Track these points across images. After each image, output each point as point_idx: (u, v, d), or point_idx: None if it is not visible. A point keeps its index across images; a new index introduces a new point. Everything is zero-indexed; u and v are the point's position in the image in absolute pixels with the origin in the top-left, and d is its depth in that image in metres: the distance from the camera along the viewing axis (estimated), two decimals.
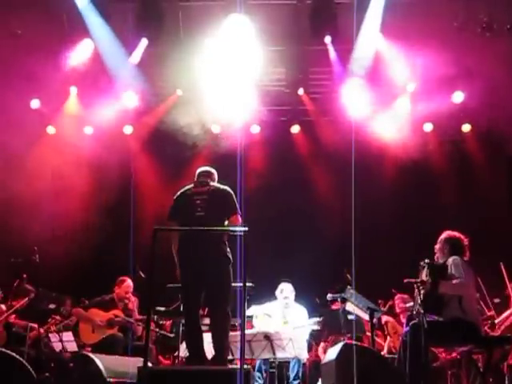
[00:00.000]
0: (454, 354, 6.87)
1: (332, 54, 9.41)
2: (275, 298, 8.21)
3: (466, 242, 6.14)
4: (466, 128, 10.03)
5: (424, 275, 5.87)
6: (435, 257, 6.19)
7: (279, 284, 8.20)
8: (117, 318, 7.66)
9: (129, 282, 7.94)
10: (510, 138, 9.10)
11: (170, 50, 9.21)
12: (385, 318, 8.21)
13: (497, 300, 7.84)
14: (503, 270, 7.51)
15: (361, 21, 9.03)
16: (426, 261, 5.92)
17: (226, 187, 6.01)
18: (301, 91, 10.01)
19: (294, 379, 7.43)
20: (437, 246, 6.22)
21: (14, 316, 7.53)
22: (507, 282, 7.50)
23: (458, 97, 9.65)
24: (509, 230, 9.55)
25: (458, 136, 10.13)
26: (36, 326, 7.30)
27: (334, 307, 8.09)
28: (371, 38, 9.18)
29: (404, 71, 9.30)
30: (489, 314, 7.51)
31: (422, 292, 5.75)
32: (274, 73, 9.79)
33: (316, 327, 7.84)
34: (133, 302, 8.18)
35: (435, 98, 9.60)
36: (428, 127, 10.01)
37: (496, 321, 7.28)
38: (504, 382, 6.70)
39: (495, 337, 6.64)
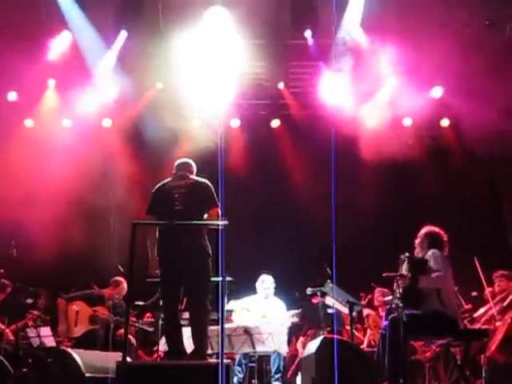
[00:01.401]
0: (432, 348, 6.94)
1: (312, 47, 9.41)
2: (254, 293, 8.20)
3: (445, 237, 6.19)
4: (445, 123, 10.10)
5: (404, 269, 5.90)
6: (415, 252, 6.22)
7: (260, 276, 8.19)
8: (97, 314, 7.59)
9: (124, 285, 7.78)
10: (488, 133, 9.16)
11: (149, 43, 9.14)
12: (366, 311, 8.25)
13: (474, 293, 7.93)
14: (477, 265, 7.60)
15: (341, 15, 9.05)
16: (407, 254, 5.96)
17: (205, 180, 5.96)
18: (281, 85, 10.00)
19: (276, 373, 7.44)
20: (416, 241, 6.25)
21: None
22: (482, 277, 7.59)
23: (437, 92, 9.71)
24: (487, 224, 9.66)
25: (436, 131, 10.19)
26: (6, 329, 7.20)
27: (313, 301, 8.10)
28: (351, 32, 9.20)
29: (383, 66, 9.33)
30: (467, 307, 7.60)
31: (401, 286, 5.78)
32: (255, 66, 9.75)
33: (295, 319, 7.85)
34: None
35: (414, 92, 9.64)
36: (407, 122, 10.06)
37: (475, 315, 7.37)
38: (481, 374, 6.77)
39: (473, 330, 6.72)
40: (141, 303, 7.52)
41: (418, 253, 6.22)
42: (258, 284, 8.15)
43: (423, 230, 6.25)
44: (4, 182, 8.90)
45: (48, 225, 8.78)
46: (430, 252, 5.99)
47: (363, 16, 9.10)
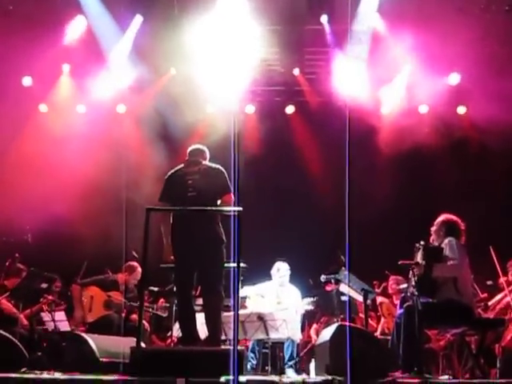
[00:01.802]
0: (446, 337, 6.90)
1: (328, 33, 9.32)
2: (268, 279, 8.18)
3: (462, 226, 6.11)
4: (462, 110, 10.00)
5: (419, 257, 5.85)
6: (430, 239, 6.17)
7: (275, 263, 8.16)
8: (112, 299, 7.63)
9: (139, 270, 7.78)
10: (505, 120, 9.05)
11: (164, 28, 9.10)
12: (380, 299, 8.22)
13: (489, 282, 7.87)
14: (493, 254, 7.54)
15: (358, 0, 8.95)
16: (422, 243, 5.90)
17: (218, 166, 5.93)
18: (296, 71, 9.93)
19: (289, 360, 7.44)
20: (433, 228, 6.19)
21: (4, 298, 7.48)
22: (497, 266, 7.53)
23: (454, 78, 9.61)
24: (502, 213, 9.56)
25: (453, 118, 10.07)
26: (21, 315, 7.25)
27: (327, 288, 8.08)
28: (368, 17, 9.10)
29: (400, 52, 9.22)
30: (482, 296, 7.55)
31: (416, 274, 5.74)
32: (270, 52, 9.69)
33: (310, 307, 7.83)
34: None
35: (431, 79, 9.56)
36: (423, 109, 9.97)
37: (489, 303, 7.32)
38: (496, 363, 6.73)
39: (489, 319, 6.67)
40: (155, 289, 7.53)
41: (434, 240, 6.16)
42: (273, 271, 8.11)
43: (440, 218, 6.17)
44: (18, 166, 8.94)
45: (62, 210, 8.82)
46: (447, 240, 5.93)
47: (380, 1, 8.99)
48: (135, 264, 7.85)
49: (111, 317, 7.55)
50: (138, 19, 9.25)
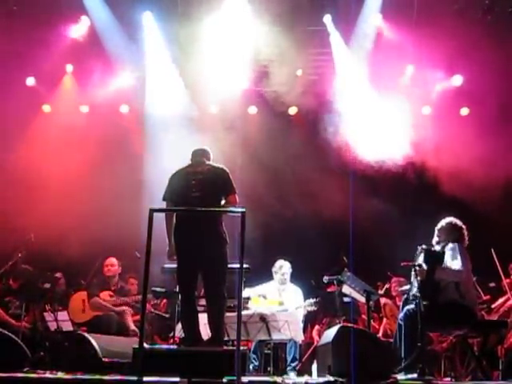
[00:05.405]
0: (449, 339, 6.90)
1: (331, 34, 9.33)
2: (269, 280, 8.15)
3: (465, 229, 6.14)
4: (465, 111, 9.99)
5: (420, 260, 5.86)
6: (433, 240, 6.16)
7: (276, 261, 8.11)
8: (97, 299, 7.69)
9: (111, 259, 7.97)
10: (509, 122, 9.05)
11: (167, 27, 9.11)
12: (383, 301, 8.20)
13: (492, 284, 7.87)
14: (494, 256, 7.54)
15: (361, 1, 8.96)
16: (424, 246, 5.91)
17: (222, 166, 5.96)
18: (299, 72, 9.93)
19: (292, 361, 7.42)
20: (438, 227, 6.18)
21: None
22: (499, 268, 7.54)
23: (457, 80, 9.61)
24: (504, 214, 9.55)
25: (456, 119, 10.06)
26: (23, 313, 7.28)
27: (329, 290, 8.06)
28: (371, 18, 9.12)
29: (403, 53, 9.23)
30: (485, 298, 7.54)
31: (419, 278, 5.74)
32: (273, 53, 9.68)
33: (313, 308, 7.79)
34: (134, 285, 8.20)
35: (434, 80, 9.54)
36: (426, 110, 9.96)
37: (492, 306, 7.32)
38: (498, 365, 6.73)
39: (491, 321, 6.67)
40: (158, 289, 7.55)
41: (437, 242, 6.17)
42: (274, 269, 8.04)
43: (445, 221, 6.18)
44: (22, 167, 8.95)
45: (66, 209, 8.82)
46: (452, 245, 5.95)
47: (383, 2, 9.00)
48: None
49: (110, 316, 7.57)
50: (142, 19, 9.24)
